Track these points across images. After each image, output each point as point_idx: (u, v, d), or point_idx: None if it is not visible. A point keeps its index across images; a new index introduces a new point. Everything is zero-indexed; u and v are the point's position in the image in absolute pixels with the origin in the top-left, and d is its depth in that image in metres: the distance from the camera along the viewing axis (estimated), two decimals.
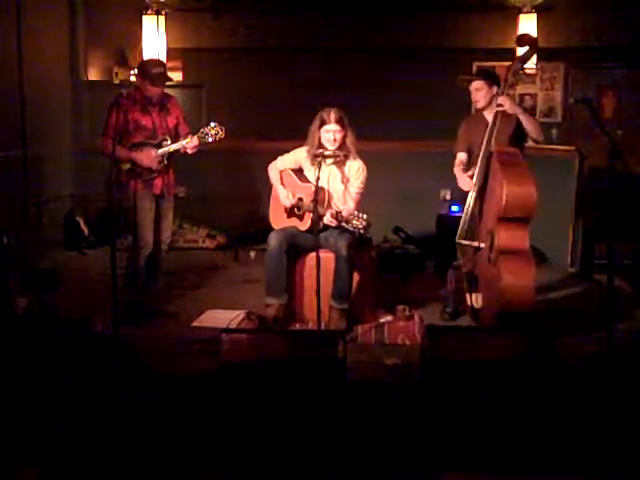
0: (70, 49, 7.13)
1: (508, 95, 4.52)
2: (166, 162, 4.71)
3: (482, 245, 4.42)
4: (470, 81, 4.70)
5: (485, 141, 4.46)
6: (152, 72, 4.59)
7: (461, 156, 4.77)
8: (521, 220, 4.24)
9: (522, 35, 4.86)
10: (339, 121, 4.58)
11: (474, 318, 4.44)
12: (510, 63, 4.61)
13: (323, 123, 4.60)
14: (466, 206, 4.53)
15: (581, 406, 3.36)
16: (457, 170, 4.72)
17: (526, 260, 4.18)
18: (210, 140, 4.62)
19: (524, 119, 4.53)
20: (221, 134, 4.61)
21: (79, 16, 7.15)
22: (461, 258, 4.59)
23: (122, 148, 4.56)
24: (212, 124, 4.62)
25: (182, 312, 4.93)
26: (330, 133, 4.58)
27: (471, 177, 4.55)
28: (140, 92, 4.68)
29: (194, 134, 4.66)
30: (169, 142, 4.66)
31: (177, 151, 4.70)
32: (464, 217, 4.54)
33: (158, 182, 4.73)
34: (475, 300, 4.32)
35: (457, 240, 4.53)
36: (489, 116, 4.69)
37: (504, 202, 4.14)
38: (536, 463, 3.01)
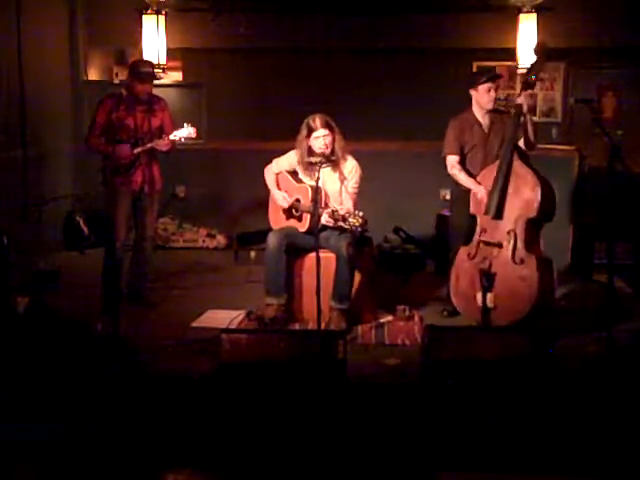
0: (70, 49, 7.13)
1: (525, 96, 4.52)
2: (140, 160, 4.80)
3: (504, 244, 4.39)
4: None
5: (508, 140, 4.45)
6: (141, 71, 4.80)
7: (455, 159, 4.73)
8: (544, 221, 4.44)
9: (539, 44, 4.86)
10: (326, 125, 4.56)
11: (483, 318, 4.36)
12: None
13: (311, 131, 4.58)
14: (485, 204, 4.49)
15: (581, 406, 3.36)
16: (460, 174, 4.67)
17: (548, 260, 4.40)
18: (182, 140, 4.80)
19: (530, 124, 4.55)
20: (192, 134, 4.82)
21: (79, 16, 7.15)
22: (476, 257, 4.52)
23: (103, 143, 4.82)
24: (185, 125, 4.81)
25: (182, 312, 4.93)
26: (320, 139, 4.56)
27: (479, 183, 4.54)
28: (128, 92, 4.86)
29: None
30: (145, 141, 4.79)
31: (154, 149, 4.82)
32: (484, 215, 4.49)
33: (137, 178, 4.85)
34: (489, 300, 4.29)
35: (479, 239, 4.50)
36: (481, 117, 4.70)
37: (538, 204, 4.29)
38: (536, 463, 3.01)
